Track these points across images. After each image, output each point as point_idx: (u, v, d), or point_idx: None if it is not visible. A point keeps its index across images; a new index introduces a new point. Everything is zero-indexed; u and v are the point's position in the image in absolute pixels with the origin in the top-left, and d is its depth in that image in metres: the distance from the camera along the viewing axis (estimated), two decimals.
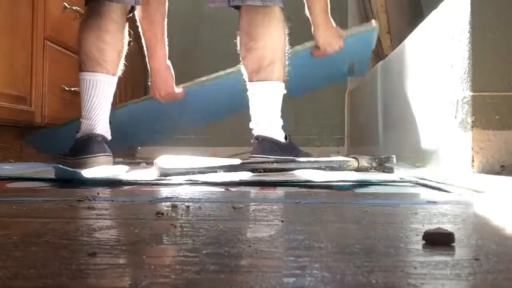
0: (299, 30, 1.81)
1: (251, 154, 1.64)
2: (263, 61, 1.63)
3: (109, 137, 1.64)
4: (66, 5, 2.12)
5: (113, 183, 1.13)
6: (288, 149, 1.66)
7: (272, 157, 1.53)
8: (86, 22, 1.63)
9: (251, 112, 1.68)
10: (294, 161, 1.42)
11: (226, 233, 0.53)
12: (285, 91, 1.67)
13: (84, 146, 1.58)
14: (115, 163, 1.68)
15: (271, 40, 1.63)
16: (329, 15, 1.79)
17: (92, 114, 1.61)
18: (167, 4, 1.84)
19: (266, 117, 1.66)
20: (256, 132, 1.66)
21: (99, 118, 1.61)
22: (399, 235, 0.54)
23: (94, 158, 1.56)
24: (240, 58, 1.69)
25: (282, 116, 1.68)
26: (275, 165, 1.35)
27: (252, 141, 1.67)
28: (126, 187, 1.08)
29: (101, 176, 1.23)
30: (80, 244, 0.48)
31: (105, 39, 1.61)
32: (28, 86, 1.93)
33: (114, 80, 1.66)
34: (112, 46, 1.62)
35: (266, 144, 1.63)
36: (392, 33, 2.85)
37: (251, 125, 1.68)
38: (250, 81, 1.67)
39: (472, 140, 1.11)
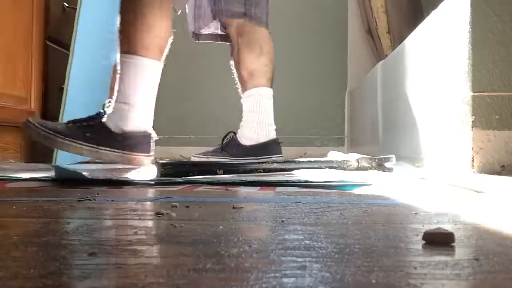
0: None
1: (277, 155, 1.76)
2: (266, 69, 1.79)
3: None
4: (66, 5, 2.12)
5: (113, 183, 1.13)
6: None
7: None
8: (161, 6, 1.52)
9: (263, 115, 1.76)
10: (294, 161, 1.42)
11: (226, 233, 0.53)
12: None
13: (140, 144, 1.52)
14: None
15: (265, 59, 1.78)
16: None
17: (149, 107, 1.53)
18: None
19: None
20: (274, 134, 1.78)
21: (152, 113, 1.55)
22: (399, 235, 0.54)
23: (149, 158, 1.53)
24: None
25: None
26: (275, 165, 1.35)
27: (274, 142, 1.78)
28: (126, 187, 1.08)
29: (101, 177, 1.23)
30: (80, 244, 0.48)
31: (170, 29, 1.56)
32: (28, 86, 1.93)
33: None
34: (169, 37, 1.56)
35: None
36: (392, 33, 2.85)
37: (265, 130, 1.78)
38: (257, 86, 1.75)
39: (472, 140, 1.11)
